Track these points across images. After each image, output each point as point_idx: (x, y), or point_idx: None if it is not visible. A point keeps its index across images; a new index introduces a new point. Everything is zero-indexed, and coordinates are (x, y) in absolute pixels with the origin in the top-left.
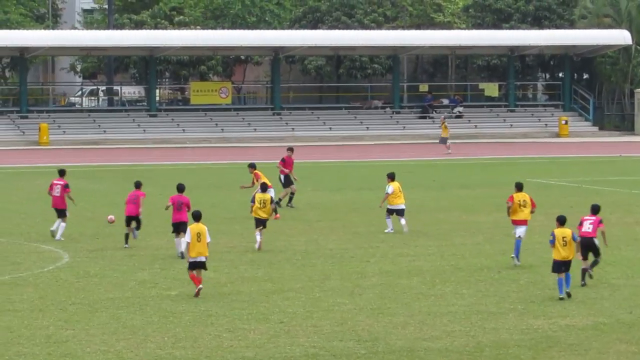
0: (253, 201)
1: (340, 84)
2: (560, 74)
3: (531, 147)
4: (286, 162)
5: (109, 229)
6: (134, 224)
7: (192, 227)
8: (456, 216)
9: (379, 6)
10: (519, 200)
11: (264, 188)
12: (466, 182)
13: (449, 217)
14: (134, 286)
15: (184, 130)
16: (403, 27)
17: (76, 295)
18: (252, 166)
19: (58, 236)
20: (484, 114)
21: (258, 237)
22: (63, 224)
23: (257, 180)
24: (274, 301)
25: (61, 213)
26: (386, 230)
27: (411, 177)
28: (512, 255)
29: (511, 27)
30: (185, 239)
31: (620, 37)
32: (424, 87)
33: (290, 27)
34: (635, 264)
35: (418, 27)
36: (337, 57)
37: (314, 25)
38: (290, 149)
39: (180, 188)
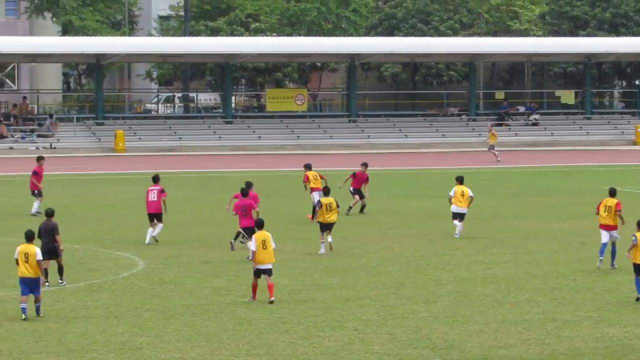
0: (320, 205)
1: (416, 91)
2: (637, 82)
3: (607, 155)
4: (357, 177)
5: (184, 235)
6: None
7: (257, 235)
8: (532, 224)
9: (455, 13)
10: (605, 206)
11: (327, 192)
12: (542, 189)
13: (524, 225)
14: (209, 293)
15: (259, 137)
16: (479, 34)
17: (151, 302)
18: (307, 167)
19: (155, 232)
20: (560, 121)
21: (323, 244)
22: (161, 225)
23: (306, 182)
24: (348, 308)
25: (158, 217)
26: (455, 234)
27: (487, 185)
28: (600, 258)
29: (588, 35)
30: (251, 247)
31: None
32: (500, 95)
33: (367, 34)
34: None
35: (494, 34)
36: (413, 64)
37: (390, 32)
38: (364, 165)
39: (245, 192)
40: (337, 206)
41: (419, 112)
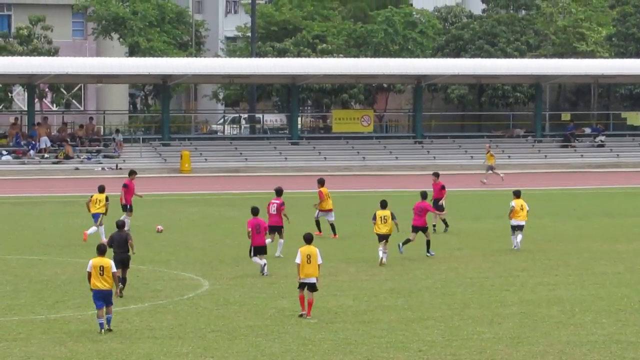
0: (374, 219)
1: (483, 112)
2: None
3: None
4: (433, 188)
5: (248, 257)
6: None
7: (303, 250)
8: (597, 245)
9: (522, 35)
10: None
11: (384, 205)
12: (608, 210)
13: (590, 246)
14: (274, 314)
15: (325, 158)
16: (546, 56)
17: (215, 322)
18: (321, 182)
19: (277, 252)
20: (626, 142)
21: (381, 253)
22: (281, 241)
23: (320, 198)
24: (413, 329)
25: (278, 230)
26: (514, 247)
27: (552, 206)
28: None
29: None
30: (296, 260)
31: None
32: (566, 116)
33: (433, 56)
34: None
35: (561, 55)
36: (480, 85)
37: (457, 53)
38: (436, 174)
39: (255, 211)
40: (393, 218)
41: (485, 133)
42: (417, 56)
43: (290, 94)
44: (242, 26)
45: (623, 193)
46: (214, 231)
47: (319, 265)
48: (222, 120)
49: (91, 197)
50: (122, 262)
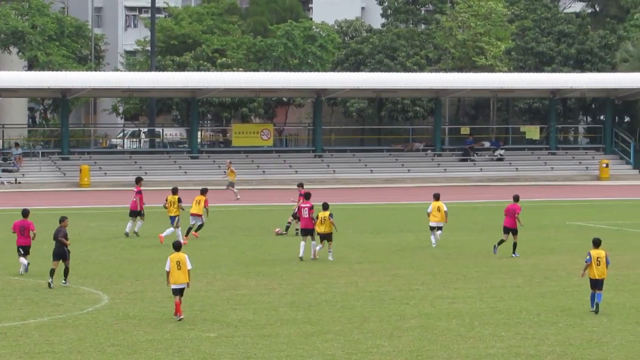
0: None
1: (382, 126)
2: (602, 117)
3: (572, 190)
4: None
5: (149, 270)
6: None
7: (172, 257)
8: (496, 259)
9: (421, 49)
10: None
11: (325, 207)
12: None
13: (488, 260)
14: (173, 328)
15: (225, 172)
16: (445, 70)
17: (115, 337)
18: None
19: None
20: (525, 156)
21: (315, 247)
22: (313, 243)
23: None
24: (312, 343)
25: (310, 233)
26: (433, 244)
27: (451, 220)
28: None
29: (553, 70)
30: (165, 268)
31: None
32: (465, 130)
33: (333, 70)
34: None
35: (460, 69)
36: (379, 99)
37: (356, 67)
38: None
39: (25, 213)
40: (331, 216)
41: (384, 147)
42: (317, 70)
43: (190, 107)
44: (142, 40)
45: (522, 207)
46: (114, 245)
47: (188, 271)
48: (121, 134)
49: (167, 199)
50: (61, 255)
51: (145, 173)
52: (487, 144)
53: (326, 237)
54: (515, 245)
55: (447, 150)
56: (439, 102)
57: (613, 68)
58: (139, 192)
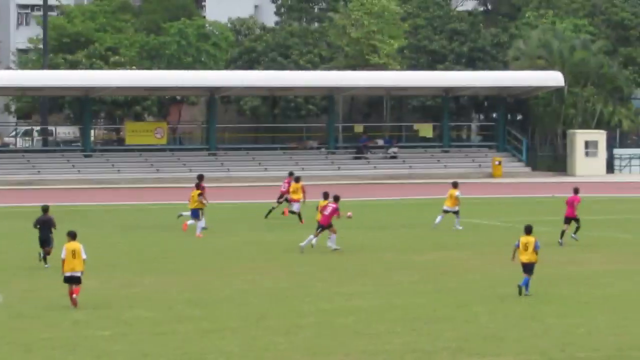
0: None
1: (276, 124)
2: (494, 115)
3: (465, 188)
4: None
5: (44, 270)
6: None
7: (68, 245)
8: (393, 255)
9: (314, 47)
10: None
11: (326, 196)
12: (403, 221)
13: (386, 256)
14: (68, 326)
15: (119, 170)
16: (338, 68)
17: (9, 335)
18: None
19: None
20: (418, 154)
21: (313, 239)
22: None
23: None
24: (210, 340)
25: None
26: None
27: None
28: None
29: (446, 68)
30: (61, 255)
31: (553, 78)
32: (359, 128)
33: (226, 68)
34: (568, 302)
35: (353, 67)
36: (273, 97)
37: (250, 65)
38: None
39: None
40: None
41: (278, 145)
42: (211, 68)
43: (82, 106)
44: (34, 38)
45: (416, 204)
46: (7, 244)
47: (83, 260)
48: (14, 133)
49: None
50: (46, 241)
51: (39, 172)
52: (380, 142)
53: (327, 227)
54: (578, 228)
55: (341, 148)
56: (333, 100)
57: (505, 66)
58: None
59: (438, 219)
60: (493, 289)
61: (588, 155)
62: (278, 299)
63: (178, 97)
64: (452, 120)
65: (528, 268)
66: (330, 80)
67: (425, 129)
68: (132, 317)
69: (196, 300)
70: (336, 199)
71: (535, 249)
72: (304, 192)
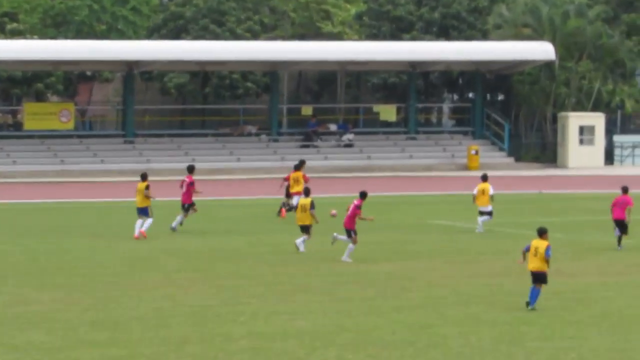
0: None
1: (207, 106)
2: (471, 95)
3: (435, 183)
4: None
5: None
6: None
7: None
8: (344, 266)
9: (255, 13)
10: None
11: (307, 193)
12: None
13: (335, 267)
14: None
15: (14, 161)
16: (284, 38)
17: None
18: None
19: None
20: (379, 142)
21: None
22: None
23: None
24: None
25: (305, 229)
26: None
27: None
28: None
29: (413, 39)
30: None
31: (542, 50)
32: (307, 110)
33: (148, 38)
34: (555, 322)
35: (302, 37)
36: (204, 73)
37: (177, 35)
38: (624, 189)
39: None
40: (312, 207)
41: (209, 131)
42: (129, 38)
43: None
44: None
45: (375, 202)
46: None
47: None
48: None
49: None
50: None
51: None
52: (333, 127)
53: (305, 229)
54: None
55: (286, 135)
56: (276, 76)
57: (484, 36)
58: (191, 184)
59: (480, 222)
60: (464, 306)
61: (583, 143)
62: (203, 320)
63: (88, 73)
64: (419, 101)
65: (536, 277)
66: (273, 52)
67: (388, 112)
68: (26, 342)
69: (103, 320)
70: (362, 195)
71: (546, 256)
72: (306, 181)
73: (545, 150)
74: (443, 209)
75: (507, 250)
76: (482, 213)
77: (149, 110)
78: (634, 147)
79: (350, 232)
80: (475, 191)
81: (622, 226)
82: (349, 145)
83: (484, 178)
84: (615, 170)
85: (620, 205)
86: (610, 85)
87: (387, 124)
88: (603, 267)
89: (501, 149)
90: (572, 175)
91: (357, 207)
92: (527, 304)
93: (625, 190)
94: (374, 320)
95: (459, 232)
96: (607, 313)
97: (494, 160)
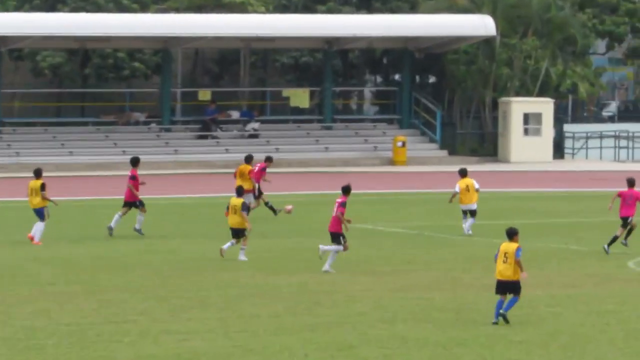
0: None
1: (87, 89)
2: (397, 77)
3: (355, 179)
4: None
5: None
6: None
7: None
8: (247, 276)
9: None
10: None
11: (239, 192)
12: (261, 229)
13: (237, 278)
14: None
15: None
16: (177, 10)
17: None
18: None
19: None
20: (289, 132)
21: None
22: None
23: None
24: None
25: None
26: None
27: (180, 222)
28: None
29: (329, 11)
30: None
31: (480, 25)
32: (205, 95)
33: (17, 10)
34: (494, 342)
35: (199, 9)
36: (84, 52)
37: (51, 6)
38: (631, 181)
39: None
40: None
41: (89, 119)
42: None
43: None
44: None
45: (284, 203)
46: None
47: None
48: None
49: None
50: None
51: None
52: (235, 115)
53: (237, 233)
54: (630, 231)
55: (179, 124)
56: (169, 55)
57: (413, 8)
58: (132, 178)
59: (466, 225)
60: (389, 324)
61: (528, 133)
62: (83, 340)
63: None
64: (337, 84)
65: (504, 288)
66: (164, 27)
67: (299, 97)
68: None
69: None
70: (345, 190)
71: (516, 257)
72: (252, 176)
73: (483, 141)
74: (364, 210)
75: (440, 258)
76: (465, 212)
77: (19, 95)
78: (587, 138)
79: (337, 236)
80: (457, 188)
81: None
82: (253, 136)
83: (464, 173)
84: (566, 164)
85: (628, 201)
86: (559, 66)
87: (298, 110)
88: (551, 278)
89: (432, 140)
90: (515, 170)
91: (342, 205)
92: (499, 318)
93: (631, 182)
94: (283, 340)
95: (382, 237)
96: (557, 332)
97: (424, 153)
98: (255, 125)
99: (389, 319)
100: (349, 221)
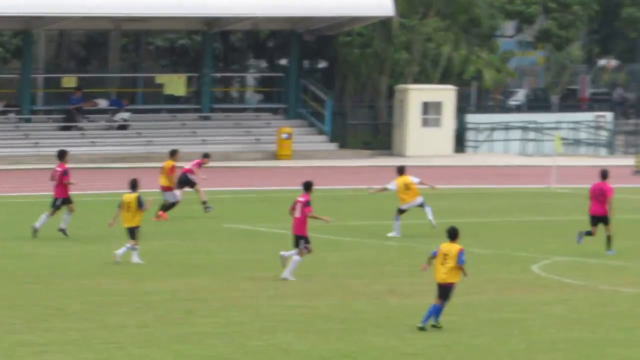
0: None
1: None
2: (283, 62)
3: (234, 175)
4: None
5: None
6: None
7: None
8: (112, 282)
9: None
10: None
11: (133, 186)
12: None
13: (101, 285)
14: None
15: None
16: None
17: None
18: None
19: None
20: (162, 122)
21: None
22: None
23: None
24: None
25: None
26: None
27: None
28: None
29: None
30: None
31: (376, 4)
32: (69, 82)
33: None
34: (384, 356)
35: None
36: None
37: None
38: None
39: None
40: (140, 206)
41: None
42: None
43: None
44: None
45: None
46: None
47: None
48: None
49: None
50: None
51: None
52: (103, 104)
53: (132, 232)
54: (610, 239)
55: (41, 113)
56: (30, 37)
57: None
58: (65, 173)
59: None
60: (270, 334)
61: (427, 124)
62: None
63: None
64: (217, 69)
65: (442, 291)
66: (25, 6)
67: (175, 84)
68: None
69: None
70: (306, 186)
71: (459, 263)
72: (166, 172)
73: (378, 133)
74: (244, 209)
75: (327, 262)
76: (402, 211)
77: None
78: (492, 129)
79: (300, 239)
80: (392, 186)
81: (604, 223)
82: (123, 127)
83: (402, 170)
84: (467, 159)
85: (597, 197)
86: (462, 50)
87: (173, 99)
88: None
89: (321, 132)
90: (411, 165)
91: (306, 205)
92: (426, 322)
93: (604, 175)
94: (152, 353)
95: (263, 238)
96: (453, 343)
97: (312, 146)
98: (125, 115)
99: (270, 329)
100: (327, 220)
